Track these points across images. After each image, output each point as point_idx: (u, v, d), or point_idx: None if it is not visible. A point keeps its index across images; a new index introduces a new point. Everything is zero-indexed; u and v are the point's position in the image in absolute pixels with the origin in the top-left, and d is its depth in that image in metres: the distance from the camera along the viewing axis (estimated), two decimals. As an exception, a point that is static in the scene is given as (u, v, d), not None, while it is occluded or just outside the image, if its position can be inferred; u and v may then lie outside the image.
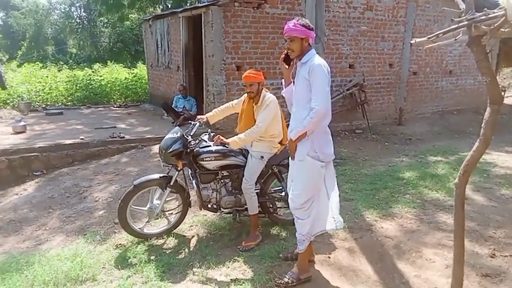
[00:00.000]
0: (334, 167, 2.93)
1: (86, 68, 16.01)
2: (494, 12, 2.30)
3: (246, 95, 3.47)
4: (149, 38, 10.83)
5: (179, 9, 8.54)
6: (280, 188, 3.79)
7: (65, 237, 3.91)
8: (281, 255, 3.24)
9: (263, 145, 3.43)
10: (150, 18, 10.53)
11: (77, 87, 12.30)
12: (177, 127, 3.63)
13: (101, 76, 13.82)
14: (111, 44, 25.79)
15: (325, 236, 3.49)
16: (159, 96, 10.28)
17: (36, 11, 29.66)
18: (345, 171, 5.59)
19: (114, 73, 15.27)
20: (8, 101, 10.73)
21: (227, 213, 3.69)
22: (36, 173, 5.90)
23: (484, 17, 2.34)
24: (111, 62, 17.94)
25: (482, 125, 2.52)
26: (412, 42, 3.21)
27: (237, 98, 3.72)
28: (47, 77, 12.93)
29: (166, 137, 3.50)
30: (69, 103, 11.87)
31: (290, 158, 2.89)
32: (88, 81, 12.70)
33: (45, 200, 4.92)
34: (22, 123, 7.46)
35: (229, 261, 3.21)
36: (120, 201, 3.47)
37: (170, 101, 8.58)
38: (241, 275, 3.03)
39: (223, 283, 2.92)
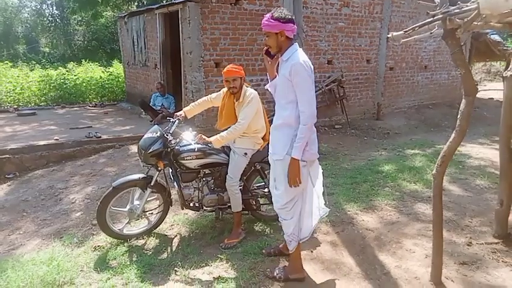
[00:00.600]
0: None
1: (59, 68, 15.52)
2: (467, 6, 2.35)
3: (225, 89, 3.41)
4: (125, 36, 10.60)
5: (155, 6, 8.39)
6: (263, 184, 3.77)
7: (41, 241, 3.78)
8: (264, 251, 3.22)
9: (246, 141, 3.39)
10: (125, 15, 10.30)
11: (51, 87, 11.92)
12: (156, 126, 3.54)
13: (75, 75, 13.44)
14: (85, 42, 25.12)
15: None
16: (137, 95, 10.09)
17: (5, 8, 28.52)
18: (325, 166, 5.62)
19: (89, 72, 14.88)
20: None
21: (210, 211, 3.65)
22: (9, 176, 5.69)
23: (457, 11, 2.39)
24: (85, 60, 17.45)
25: (458, 117, 2.58)
26: (388, 36, 3.26)
27: (217, 95, 3.66)
28: (18, 76, 12.47)
29: (145, 136, 3.40)
30: (42, 103, 11.50)
31: (269, 157, 2.82)
32: (62, 81, 12.31)
33: (19, 203, 4.74)
34: (-8, 124, 7.17)
35: (212, 260, 3.17)
36: (99, 203, 3.37)
37: (148, 99, 8.44)
38: (224, 272, 3.00)
39: (206, 282, 2.88)
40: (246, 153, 3.39)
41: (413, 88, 10.60)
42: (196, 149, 3.38)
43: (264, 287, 2.80)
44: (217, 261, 3.16)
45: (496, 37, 11.09)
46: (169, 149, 3.37)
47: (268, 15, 2.54)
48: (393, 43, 9.58)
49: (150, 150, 3.29)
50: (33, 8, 29.22)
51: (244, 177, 3.60)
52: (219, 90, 3.59)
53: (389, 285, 2.81)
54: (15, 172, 5.78)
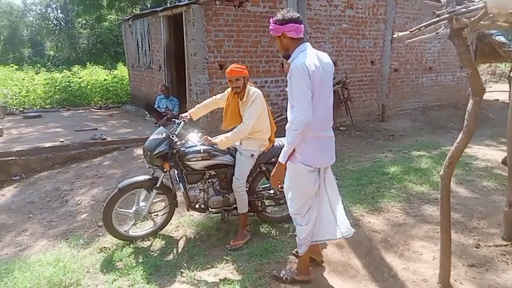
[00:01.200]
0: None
1: (64, 71, 15.63)
2: (474, 5, 2.33)
3: (229, 89, 3.40)
4: (129, 38, 10.64)
5: (159, 9, 8.42)
6: (269, 185, 3.75)
7: (47, 243, 3.79)
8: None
9: (252, 143, 3.37)
10: (129, 18, 10.35)
11: (56, 90, 12.00)
12: (161, 127, 3.53)
13: (80, 78, 13.52)
14: (90, 45, 25.31)
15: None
16: (141, 97, 10.12)
17: (10, 12, 28.80)
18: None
19: (94, 75, 14.97)
20: (-18, 105, 10.36)
21: (215, 213, 3.64)
22: (15, 178, 5.72)
23: (464, 10, 2.38)
24: (90, 63, 17.56)
25: (465, 117, 2.56)
26: (394, 36, 3.25)
27: (220, 96, 3.65)
28: (23, 79, 12.56)
29: (151, 138, 3.41)
30: (47, 106, 11.58)
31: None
32: (67, 84, 12.40)
33: (25, 205, 4.76)
34: (-2, 127, 7.22)
35: (218, 261, 3.16)
36: (105, 204, 3.37)
37: (152, 101, 8.46)
38: (230, 274, 2.99)
39: (212, 283, 2.87)
40: (252, 155, 3.38)
41: (418, 90, 10.55)
42: (201, 151, 3.38)
43: (271, 289, 2.79)
44: (223, 262, 3.15)
45: (501, 38, 11.05)
46: (174, 151, 3.37)
47: (272, 19, 2.55)
48: (397, 44, 9.55)
49: (156, 152, 3.29)
50: (38, 11, 29.52)
51: (250, 179, 3.59)
52: (223, 92, 3.58)
53: (396, 287, 2.79)
54: (22, 174, 5.81)
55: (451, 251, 2.75)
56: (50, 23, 27.88)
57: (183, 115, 3.60)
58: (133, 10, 16.91)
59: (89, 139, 6.67)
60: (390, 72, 9.69)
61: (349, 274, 2.97)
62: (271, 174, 2.62)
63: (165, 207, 3.62)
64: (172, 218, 3.73)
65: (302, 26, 2.50)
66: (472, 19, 2.33)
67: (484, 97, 2.67)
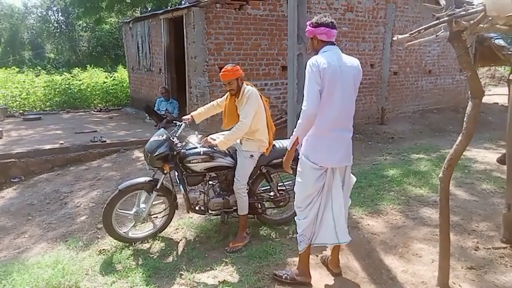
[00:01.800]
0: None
1: (64, 73, 15.67)
2: (474, 8, 2.34)
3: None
4: (130, 41, 10.67)
5: (160, 11, 8.45)
6: (268, 187, 3.76)
7: (46, 245, 3.78)
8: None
9: (251, 144, 3.38)
10: (130, 21, 10.39)
11: (55, 92, 12.02)
12: (162, 129, 3.55)
13: (80, 81, 13.55)
14: (90, 48, 25.37)
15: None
16: (141, 100, 10.13)
17: (11, 15, 28.87)
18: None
19: (94, 77, 14.99)
20: (-18, 107, 10.36)
21: (215, 215, 3.64)
22: (14, 180, 5.71)
23: (464, 13, 2.39)
24: (90, 66, 17.60)
25: (465, 119, 2.57)
26: (394, 39, 3.26)
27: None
28: (23, 82, 12.57)
29: (151, 139, 3.42)
30: (47, 108, 11.59)
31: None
32: (67, 86, 12.42)
33: (24, 207, 4.75)
34: (-2, 129, 7.22)
35: (217, 263, 3.16)
36: (105, 205, 3.37)
37: (152, 104, 8.47)
38: (229, 276, 2.99)
39: (211, 285, 2.87)
40: (252, 156, 3.38)
41: (417, 93, 10.57)
42: (202, 153, 3.38)
43: (270, 291, 2.78)
44: (222, 265, 3.14)
45: (501, 42, 11.04)
46: (175, 152, 3.37)
47: (308, 22, 2.65)
48: (397, 47, 9.58)
49: (156, 153, 3.29)
50: (39, 14, 29.57)
51: (250, 181, 3.59)
52: (224, 95, 3.61)
53: (396, 289, 2.79)
54: (21, 176, 5.80)
55: (450, 253, 2.75)
56: (50, 25, 27.94)
57: (184, 117, 3.62)
58: (134, 13, 16.96)
59: (89, 141, 6.67)
60: (390, 75, 9.71)
61: (349, 276, 2.96)
62: (283, 159, 2.75)
63: (165, 209, 3.62)
64: (172, 220, 3.72)
65: (334, 30, 2.60)
66: (471, 22, 2.35)
67: (484, 100, 2.68)
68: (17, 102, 11.24)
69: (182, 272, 3.04)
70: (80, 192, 5.07)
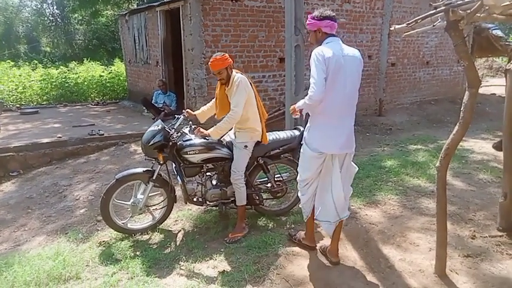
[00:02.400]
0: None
1: (61, 67, 15.56)
2: (471, -3, 2.34)
3: None
4: (126, 34, 10.60)
5: (156, 3, 8.38)
6: (266, 179, 3.78)
7: (46, 237, 3.80)
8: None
9: (244, 135, 3.40)
10: (126, 13, 10.30)
11: (52, 86, 11.95)
12: (159, 120, 3.57)
13: (76, 74, 13.47)
14: (86, 41, 25.13)
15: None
16: (138, 93, 10.10)
17: (5, 8, 28.54)
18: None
19: (91, 71, 14.91)
20: (-21, 101, 10.32)
21: (213, 206, 3.66)
22: (13, 174, 5.71)
23: (460, 2, 2.39)
24: (87, 60, 17.47)
25: (461, 109, 2.58)
26: (391, 29, 3.26)
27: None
28: (20, 75, 12.50)
29: (148, 130, 3.44)
30: (44, 102, 11.54)
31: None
32: (63, 80, 12.34)
33: (24, 201, 4.77)
34: (-5, 123, 7.19)
35: (216, 254, 3.19)
36: (102, 195, 3.39)
37: (150, 97, 8.45)
38: (228, 266, 3.01)
39: (210, 275, 2.90)
40: (246, 146, 3.40)
41: (415, 84, 10.57)
42: (199, 144, 3.39)
43: (269, 280, 2.81)
44: (222, 255, 3.17)
45: (498, 32, 11.04)
46: (171, 143, 3.38)
47: (310, 15, 2.77)
48: (395, 39, 9.55)
49: (151, 143, 3.32)
50: (34, 7, 29.23)
51: (247, 172, 3.61)
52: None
53: (393, 278, 2.82)
54: (19, 170, 5.80)
55: (447, 241, 2.78)
56: (45, 19, 27.62)
57: (187, 110, 3.62)
58: (130, 5, 16.80)
59: (87, 135, 6.66)
60: (387, 67, 9.70)
61: (347, 265, 3.00)
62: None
63: (163, 201, 3.64)
64: (171, 212, 3.74)
65: (336, 24, 2.75)
66: (468, 11, 2.35)
67: (481, 91, 2.70)
68: (14, 97, 11.18)
69: (182, 263, 3.07)
70: (78, 185, 5.08)
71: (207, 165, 3.54)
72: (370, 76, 9.43)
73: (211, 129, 3.30)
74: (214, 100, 3.66)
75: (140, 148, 3.58)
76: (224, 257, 3.14)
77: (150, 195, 3.56)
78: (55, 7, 27.46)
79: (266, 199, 3.86)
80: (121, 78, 13.12)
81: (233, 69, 3.34)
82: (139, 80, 10.36)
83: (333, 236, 2.98)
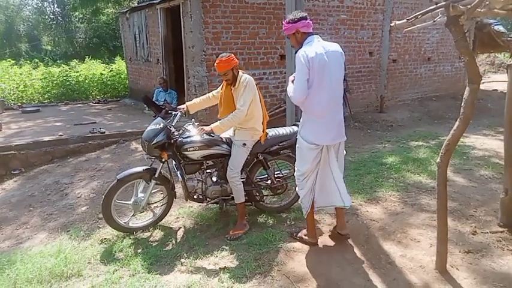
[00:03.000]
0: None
1: (62, 65, 15.57)
2: (471, -8, 2.33)
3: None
4: (127, 32, 10.60)
5: (157, 1, 8.37)
6: (266, 176, 3.78)
7: (48, 235, 3.82)
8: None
9: (244, 133, 3.40)
10: (127, 11, 10.30)
11: (53, 84, 11.98)
12: (159, 118, 3.55)
13: (77, 72, 13.48)
14: (87, 39, 25.13)
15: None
16: (139, 90, 10.10)
17: (6, 6, 28.54)
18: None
19: (92, 69, 14.91)
20: (-20, 100, 10.33)
21: (213, 203, 3.67)
22: (15, 172, 5.73)
23: (461, -3, 2.37)
24: (88, 58, 17.48)
25: (462, 105, 2.58)
26: (392, 24, 3.25)
27: (220, 90, 3.65)
28: (21, 74, 12.52)
29: (148, 128, 3.42)
30: (45, 100, 11.56)
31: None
32: (64, 78, 12.36)
33: (25, 199, 4.78)
34: (-3, 121, 7.21)
35: (217, 251, 3.19)
36: (103, 196, 3.39)
37: (151, 94, 8.44)
38: (229, 263, 3.02)
39: (212, 272, 2.90)
40: (244, 144, 3.40)
41: (416, 80, 10.54)
42: (198, 140, 3.40)
43: (270, 277, 2.82)
44: (223, 252, 3.18)
45: (500, 28, 10.99)
46: (172, 141, 3.38)
47: (284, 22, 2.93)
48: (396, 35, 9.52)
49: (154, 142, 3.31)
50: (35, 6, 29.23)
51: (247, 169, 3.61)
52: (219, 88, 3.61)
53: (394, 274, 2.82)
54: (21, 168, 5.83)
55: (447, 237, 2.78)
56: (46, 17, 27.63)
57: (180, 107, 3.63)
58: (130, 3, 16.78)
59: (88, 133, 6.68)
60: (389, 63, 9.67)
61: (348, 261, 3.00)
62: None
63: (163, 198, 3.64)
64: (172, 209, 3.76)
65: (311, 22, 2.89)
66: (469, 6, 2.34)
67: (483, 87, 2.70)
68: (15, 95, 11.21)
69: (183, 260, 3.08)
70: (80, 183, 5.09)
71: (207, 162, 3.54)
72: (371, 73, 9.40)
73: (214, 124, 3.30)
74: (209, 95, 3.67)
75: (141, 146, 3.57)
76: (225, 254, 3.15)
77: (151, 192, 3.56)
78: (56, 5, 27.46)
79: (266, 196, 3.86)
80: (122, 76, 13.12)
81: (239, 70, 3.34)
82: (140, 77, 10.37)
83: (337, 214, 3.23)
